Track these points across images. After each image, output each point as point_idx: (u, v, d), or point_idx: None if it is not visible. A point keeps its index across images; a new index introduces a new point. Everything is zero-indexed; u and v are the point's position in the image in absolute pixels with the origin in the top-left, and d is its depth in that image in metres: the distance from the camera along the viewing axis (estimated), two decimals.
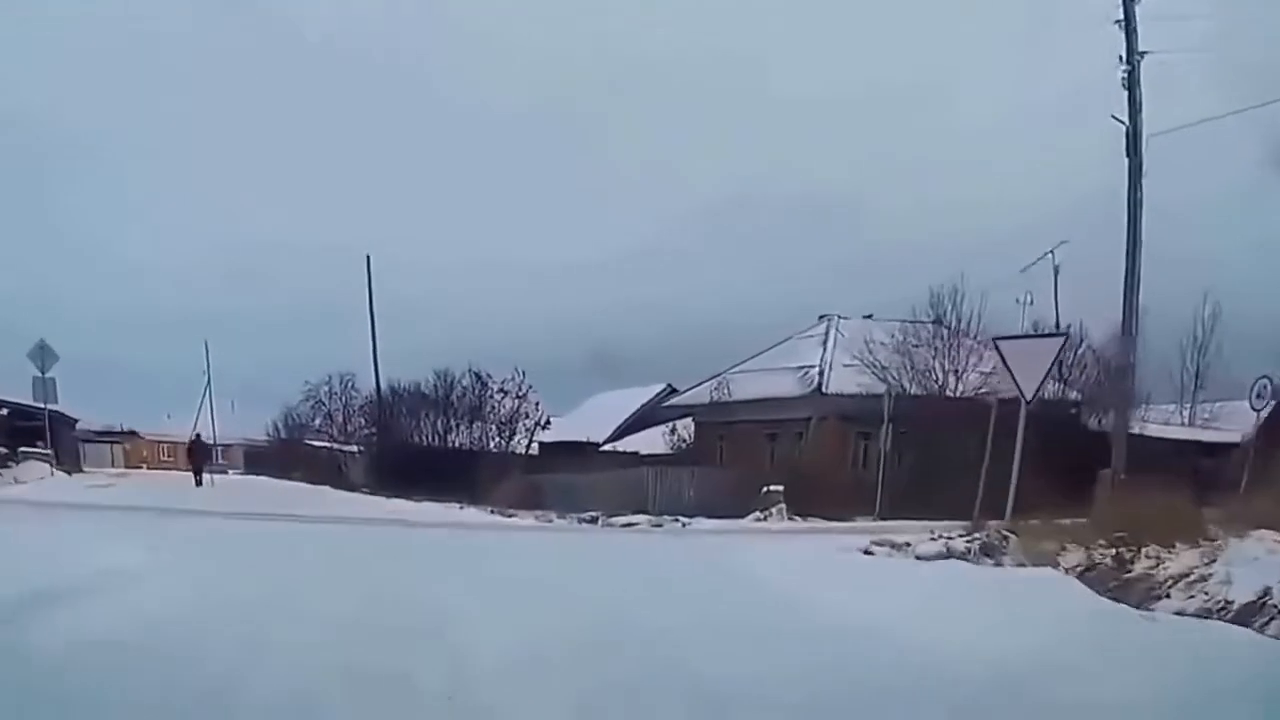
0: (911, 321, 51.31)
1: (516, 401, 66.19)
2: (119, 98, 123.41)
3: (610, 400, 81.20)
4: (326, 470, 70.14)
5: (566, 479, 54.73)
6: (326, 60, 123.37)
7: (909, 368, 49.68)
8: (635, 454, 63.11)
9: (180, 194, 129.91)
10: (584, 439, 71.95)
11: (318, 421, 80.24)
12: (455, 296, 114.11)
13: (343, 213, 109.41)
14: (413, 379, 68.85)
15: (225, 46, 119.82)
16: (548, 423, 68.98)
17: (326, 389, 77.28)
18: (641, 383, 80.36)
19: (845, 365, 52.52)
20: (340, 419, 77.88)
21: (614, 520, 41.74)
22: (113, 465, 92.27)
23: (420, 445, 66.41)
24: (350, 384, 75.70)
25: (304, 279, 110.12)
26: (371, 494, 54.61)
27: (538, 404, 66.17)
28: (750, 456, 53.58)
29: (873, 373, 49.68)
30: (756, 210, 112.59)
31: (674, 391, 71.22)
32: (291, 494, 51.11)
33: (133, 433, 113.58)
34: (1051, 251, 52.46)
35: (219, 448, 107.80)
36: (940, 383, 49.04)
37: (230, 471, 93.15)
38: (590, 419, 77.50)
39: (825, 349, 56.33)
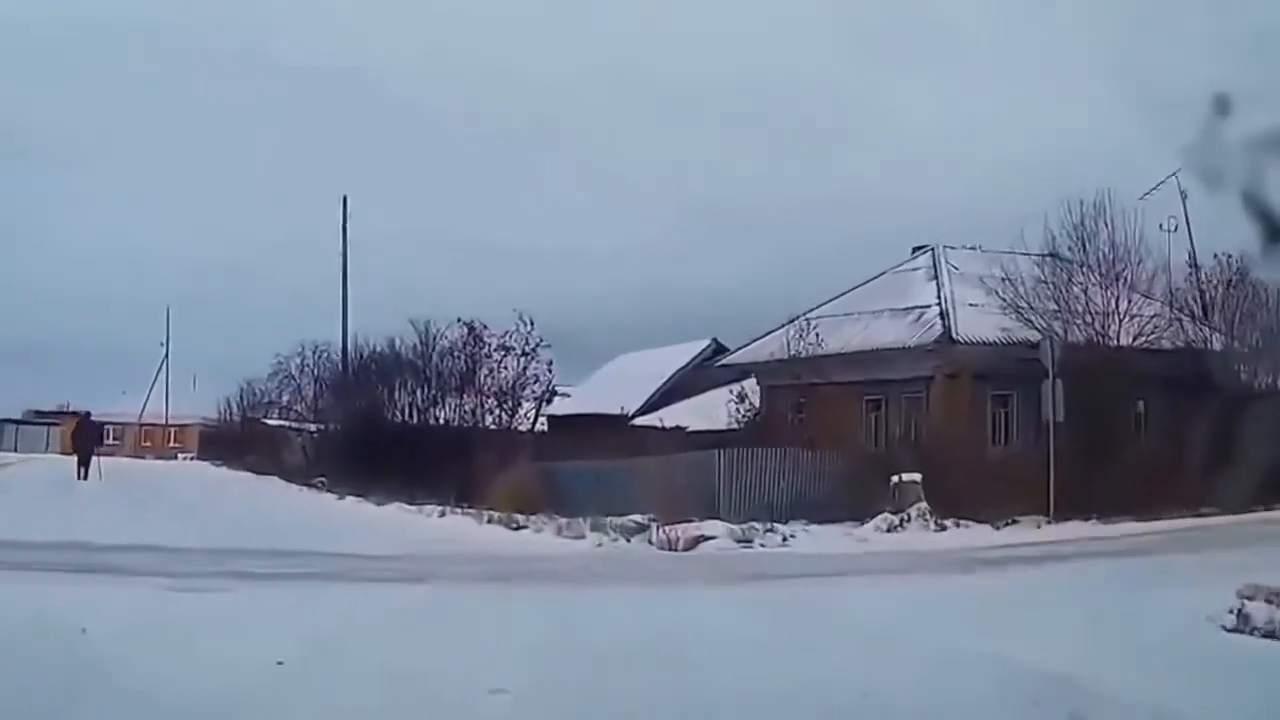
0: (1043, 255, 40.99)
1: (522, 360, 50.81)
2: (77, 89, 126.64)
3: (639, 362, 68.06)
4: (284, 454, 65.40)
5: (592, 467, 41.33)
6: (302, 67, 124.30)
7: (1066, 309, 39.09)
8: (681, 429, 50.40)
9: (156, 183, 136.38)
10: (608, 411, 59.09)
11: (286, 398, 74.31)
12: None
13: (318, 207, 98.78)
14: (388, 334, 57.51)
15: (202, 47, 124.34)
16: (560, 394, 54.88)
17: (298, 361, 70.53)
18: (677, 339, 68.06)
19: (971, 305, 41.46)
20: (312, 395, 70.80)
21: (676, 531, 29.38)
22: (47, 449, 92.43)
23: (395, 423, 53.67)
24: (325, 355, 68.36)
25: (279, 267, 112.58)
26: (325, 489, 49.42)
27: (550, 365, 51.07)
28: (842, 431, 40.59)
29: (1019, 315, 38.98)
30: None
31: (721, 350, 59.26)
32: (195, 495, 46.10)
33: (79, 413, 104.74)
34: (1176, 174, 42.33)
35: (172, 428, 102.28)
36: (1101, 330, 38.83)
37: (181, 456, 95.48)
38: (614, 386, 64.56)
39: (940, 284, 44.18)
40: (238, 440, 79.26)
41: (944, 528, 31.95)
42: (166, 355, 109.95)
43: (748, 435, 42.53)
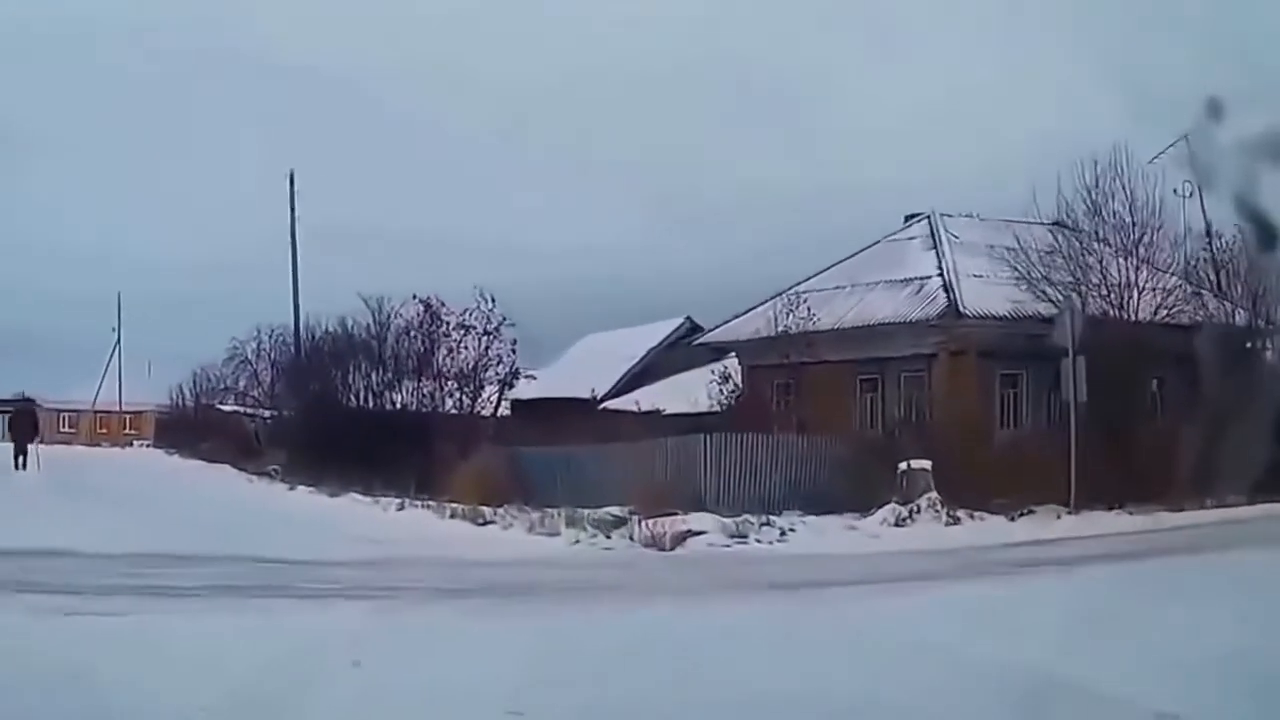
0: (1050, 223, 38.60)
1: (484, 340, 48.52)
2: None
3: (608, 343, 64.77)
4: (237, 442, 63.12)
5: (561, 454, 38.93)
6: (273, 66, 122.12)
7: (1083, 280, 36.45)
8: (657, 413, 47.42)
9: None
10: (577, 394, 56.02)
11: (242, 383, 72.83)
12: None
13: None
14: (342, 314, 54.95)
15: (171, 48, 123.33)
16: (525, 375, 51.05)
17: (254, 345, 68.89)
18: (648, 318, 64.87)
19: (976, 276, 38.63)
20: (268, 380, 69.34)
21: (661, 525, 26.72)
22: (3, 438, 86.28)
23: (350, 408, 51.10)
24: (281, 339, 65.63)
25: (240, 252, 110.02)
26: (277, 479, 47.40)
27: (514, 345, 48.52)
28: (834, 414, 38.55)
29: (1031, 287, 36.30)
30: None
31: (695, 329, 56.26)
32: (134, 487, 42.18)
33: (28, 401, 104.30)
34: (1186, 137, 36.18)
35: (128, 415, 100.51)
36: (1119, 303, 36.37)
37: (138, 443, 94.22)
38: (583, 367, 61.52)
39: (941, 254, 40.94)
40: (193, 427, 76.59)
41: (956, 520, 29.34)
42: (119, 341, 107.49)
43: (729, 418, 40.03)
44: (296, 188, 65.76)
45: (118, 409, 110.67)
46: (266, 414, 64.66)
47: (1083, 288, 35.88)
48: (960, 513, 29.62)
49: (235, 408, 72.26)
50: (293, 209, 64.71)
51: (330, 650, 12.29)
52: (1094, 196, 37.22)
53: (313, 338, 58.95)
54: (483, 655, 12.57)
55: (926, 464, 30.36)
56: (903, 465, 30.49)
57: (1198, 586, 17.13)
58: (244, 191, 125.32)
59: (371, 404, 50.13)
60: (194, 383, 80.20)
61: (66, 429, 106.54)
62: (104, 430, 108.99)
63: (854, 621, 14.76)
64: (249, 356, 69.98)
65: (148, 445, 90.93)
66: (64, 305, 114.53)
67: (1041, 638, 13.01)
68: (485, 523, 29.98)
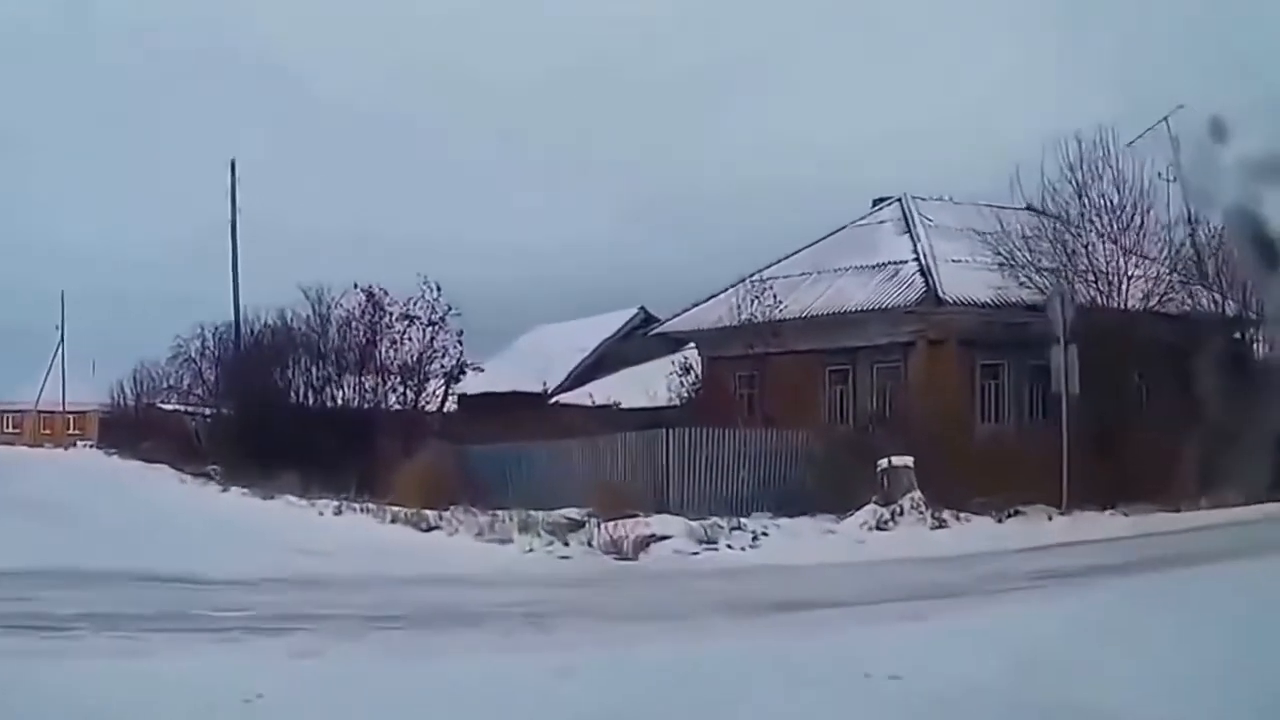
0: (1028, 208, 37.69)
1: (428, 331, 47.09)
2: None
3: (560, 334, 63.32)
4: (178, 441, 61.92)
5: (512, 451, 37.27)
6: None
7: (1068, 266, 35.18)
8: (612, 407, 45.96)
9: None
10: (528, 387, 54.81)
11: (186, 381, 68.69)
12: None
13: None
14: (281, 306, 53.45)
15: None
16: (472, 367, 49.77)
17: (198, 343, 64.80)
18: (601, 308, 63.95)
19: (954, 261, 37.08)
20: (213, 378, 64.84)
21: (622, 529, 24.79)
22: None
23: (290, 405, 49.84)
24: (224, 336, 62.75)
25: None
26: (215, 480, 45.71)
27: (460, 336, 47.23)
28: (802, 407, 36.82)
29: (1016, 273, 35.09)
30: None
31: (650, 319, 55.37)
32: (58, 490, 39.61)
33: None
34: (1166, 119, 38.44)
35: (71, 415, 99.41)
36: (1106, 291, 35.06)
37: (81, 444, 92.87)
38: (533, 360, 59.86)
39: (915, 238, 39.49)
40: (134, 427, 75.46)
41: (943, 522, 27.41)
42: (62, 340, 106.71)
43: (690, 412, 38.75)
44: (239, 177, 63.79)
45: (61, 409, 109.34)
46: (207, 413, 63.01)
47: (1069, 273, 34.55)
48: (946, 514, 27.75)
49: (177, 406, 69.98)
50: (233, 200, 62.81)
51: (215, 710, 9.83)
52: (1079, 176, 35.93)
53: (252, 332, 57.37)
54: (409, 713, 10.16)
55: (909, 460, 28.44)
56: (883, 462, 28.52)
57: (1244, 609, 14.78)
58: (192, 183, 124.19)
59: (312, 400, 48.89)
60: (135, 381, 78.61)
61: (10, 430, 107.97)
62: (48, 431, 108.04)
63: (877, 661, 12.11)
64: (193, 354, 66.61)
65: (91, 445, 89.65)
66: (5, 302, 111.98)
67: (1098, 676, 11.20)
68: (430, 528, 28.08)
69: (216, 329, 63.30)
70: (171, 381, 71.36)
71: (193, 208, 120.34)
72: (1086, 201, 36.17)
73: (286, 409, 47.97)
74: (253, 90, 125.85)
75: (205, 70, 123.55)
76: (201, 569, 18.87)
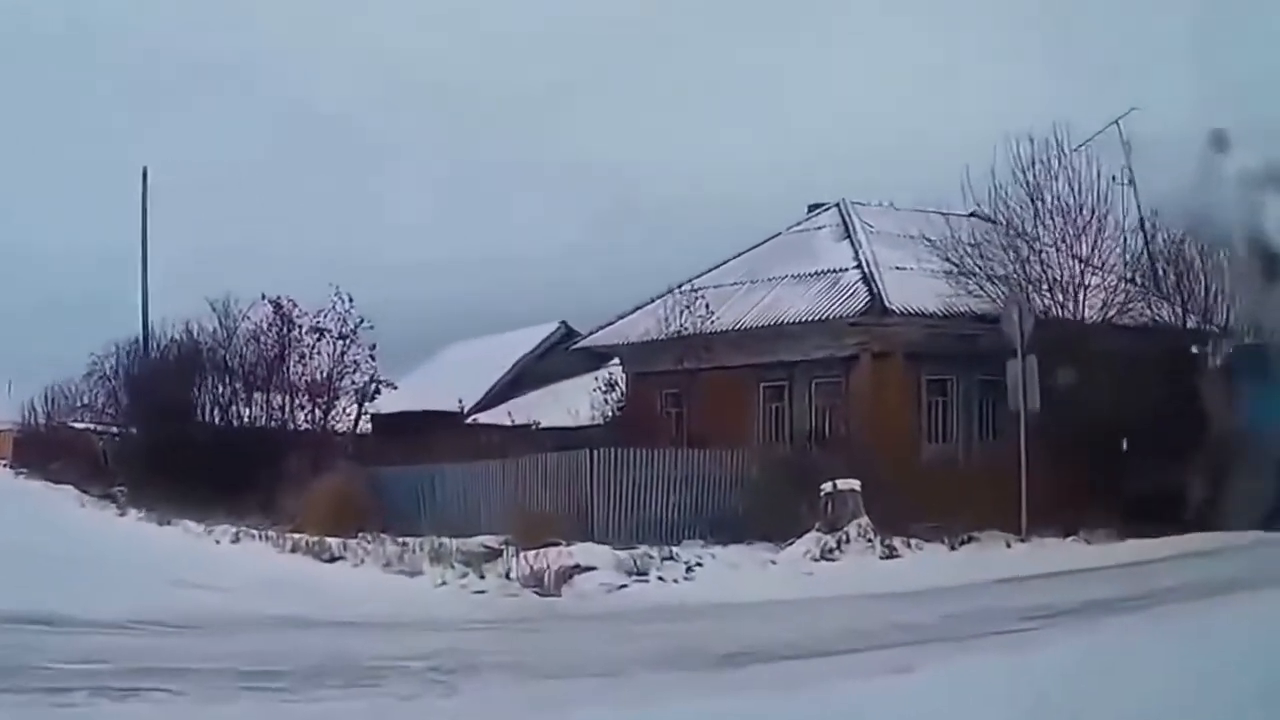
0: (975, 214, 36.48)
1: (339, 345, 45.47)
2: None
3: (476, 350, 61.85)
4: (86, 461, 59.94)
5: (426, 474, 36.55)
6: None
7: (1022, 275, 33.97)
8: (532, 426, 44.90)
9: None
10: (443, 406, 53.16)
11: (100, 400, 66.51)
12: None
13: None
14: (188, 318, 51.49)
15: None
16: (385, 384, 48.40)
17: (113, 359, 62.24)
18: (523, 323, 62.19)
19: (899, 269, 35.70)
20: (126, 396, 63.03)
21: (544, 560, 23.04)
22: None
23: (194, 424, 47.78)
24: (134, 351, 60.46)
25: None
26: (121, 502, 43.45)
27: (373, 351, 45.64)
28: (735, 426, 35.75)
29: (968, 283, 33.75)
30: None
31: (571, 334, 53.62)
32: None
33: None
34: (1118, 121, 39.23)
35: None
36: (1063, 301, 33.95)
37: None
38: (448, 378, 58.54)
39: (856, 244, 37.88)
40: (45, 447, 73.70)
41: (893, 551, 26.02)
42: None
43: (614, 432, 38.08)
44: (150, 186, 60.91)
45: None
46: (115, 432, 61.19)
47: (1022, 282, 33.50)
48: (896, 541, 26.37)
49: (87, 426, 68.39)
50: (144, 210, 59.81)
51: None
52: (1031, 178, 34.82)
53: (159, 347, 55.35)
54: None
55: (855, 484, 27.08)
56: (827, 486, 27.12)
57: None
58: (110, 191, 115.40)
59: (218, 419, 47.40)
60: (47, 399, 77.38)
61: None
62: None
63: None
64: (106, 371, 64.32)
65: (4, 465, 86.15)
66: None
67: None
68: (333, 558, 26.27)
69: (130, 345, 61.17)
70: (86, 399, 69.75)
71: (112, 217, 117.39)
72: (1039, 205, 34.79)
73: (191, 428, 46.32)
74: (171, 93, 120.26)
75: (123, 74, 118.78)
76: (64, 608, 16.42)
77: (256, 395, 46.71)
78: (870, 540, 26.00)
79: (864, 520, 26.34)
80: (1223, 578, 19.51)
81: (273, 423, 45.75)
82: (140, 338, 58.22)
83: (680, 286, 39.07)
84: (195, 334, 49.21)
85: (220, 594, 19.58)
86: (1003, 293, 32.37)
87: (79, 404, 71.39)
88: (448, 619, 18.11)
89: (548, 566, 22.53)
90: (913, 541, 26.53)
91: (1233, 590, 18.09)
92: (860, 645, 15.10)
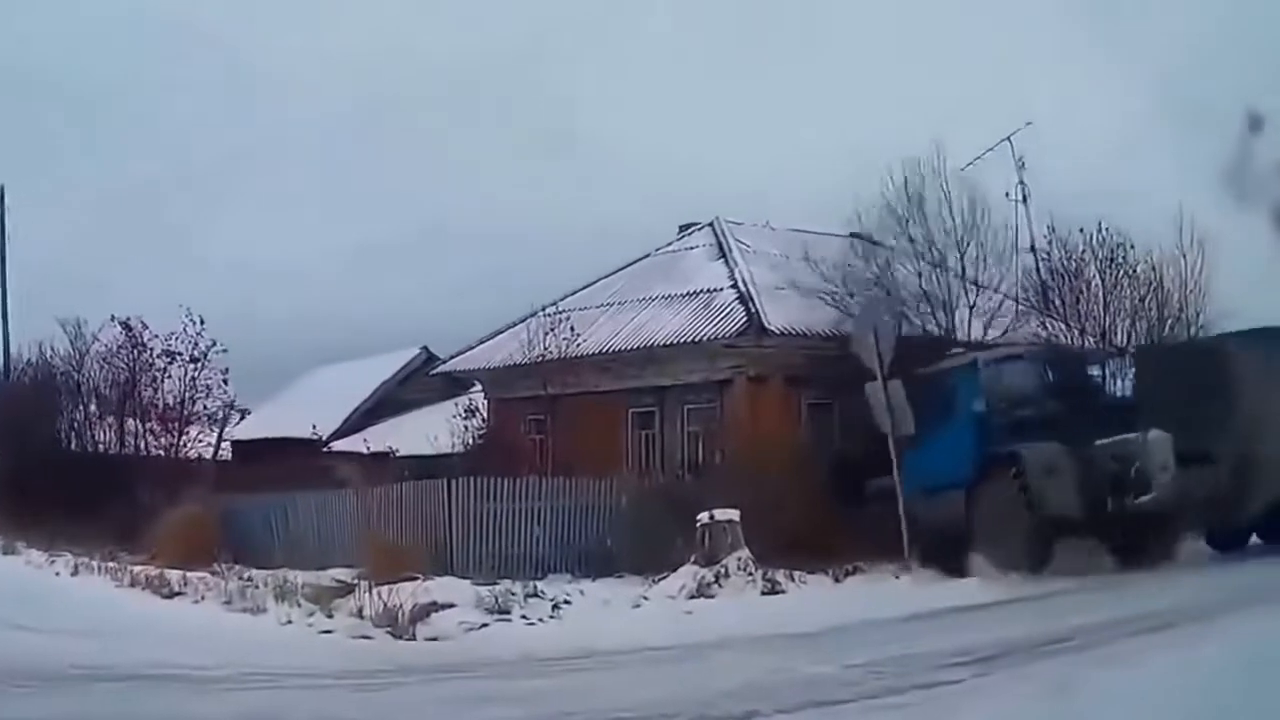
0: (853, 234, 36.08)
1: (191, 369, 44.03)
2: None
3: (335, 376, 60.40)
4: None
5: (279, 503, 36.03)
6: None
7: (895, 296, 33.81)
8: (389, 454, 43.83)
9: None
10: (299, 433, 51.73)
11: None
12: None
13: None
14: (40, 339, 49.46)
15: None
16: (238, 410, 49.22)
17: None
18: (385, 348, 60.76)
19: (777, 289, 34.78)
20: None
21: (397, 596, 21.75)
22: None
23: (49, 449, 45.64)
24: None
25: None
26: None
27: (226, 376, 44.36)
28: (602, 454, 35.09)
29: (838, 303, 33.46)
30: None
31: (433, 360, 52.76)
32: None
33: None
34: (1009, 138, 39.05)
35: None
36: (941, 322, 34.06)
37: None
38: (306, 404, 56.94)
39: (732, 264, 37.17)
40: None
41: (775, 585, 24.98)
42: None
43: (475, 460, 36.89)
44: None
45: None
46: None
47: (896, 303, 33.03)
48: (778, 574, 25.38)
49: None
50: (2, 227, 55.61)
51: None
52: (910, 197, 34.65)
53: (15, 370, 52.88)
54: None
55: (734, 514, 25.96)
56: (703, 516, 25.99)
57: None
58: None
59: (72, 444, 45.93)
60: None
61: None
62: None
63: None
64: None
65: None
66: None
67: None
68: (173, 594, 24.37)
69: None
70: None
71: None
72: (918, 226, 34.42)
73: (43, 453, 44.29)
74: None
75: None
76: None
77: (110, 420, 45.44)
78: (751, 574, 24.97)
79: (744, 553, 25.36)
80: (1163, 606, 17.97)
81: (125, 449, 44.47)
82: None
83: (544, 309, 38.38)
84: (49, 356, 47.56)
85: (38, 636, 17.53)
86: (872, 312, 31.06)
87: None
88: (284, 670, 16.00)
89: (402, 604, 21.28)
90: (795, 574, 25.61)
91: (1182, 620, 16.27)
92: (759, 708, 12.71)
